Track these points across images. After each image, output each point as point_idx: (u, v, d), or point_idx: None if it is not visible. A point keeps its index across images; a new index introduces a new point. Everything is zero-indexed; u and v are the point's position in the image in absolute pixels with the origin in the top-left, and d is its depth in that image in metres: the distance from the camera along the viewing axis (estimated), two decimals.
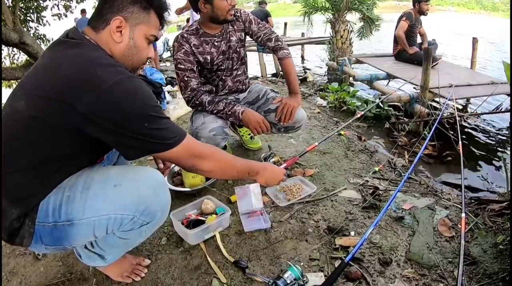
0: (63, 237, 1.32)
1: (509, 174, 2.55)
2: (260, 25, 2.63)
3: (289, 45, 10.29)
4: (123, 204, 1.32)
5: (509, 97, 4.38)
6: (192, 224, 2.03)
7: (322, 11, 8.61)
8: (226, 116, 2.48)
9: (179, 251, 1.99)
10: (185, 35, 2.47)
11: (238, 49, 2.65)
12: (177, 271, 1.86)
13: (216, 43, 2.53)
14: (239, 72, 2.75)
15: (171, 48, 10.03)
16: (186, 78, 2.44)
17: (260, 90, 2.81)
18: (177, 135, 1.35)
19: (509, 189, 2.42)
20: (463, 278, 1.69)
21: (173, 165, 2.61)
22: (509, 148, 4.17)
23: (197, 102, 2.47)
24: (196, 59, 2.50)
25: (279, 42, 2.65)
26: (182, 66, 2.43)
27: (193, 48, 2.46)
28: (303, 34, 11.25)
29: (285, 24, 13.85)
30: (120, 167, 1.57)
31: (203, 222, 2.04)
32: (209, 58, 2.52)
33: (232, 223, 2.17)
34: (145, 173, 1.43)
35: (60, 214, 1.28)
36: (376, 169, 2.83)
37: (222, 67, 2.61)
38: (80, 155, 1.35)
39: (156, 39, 1.51)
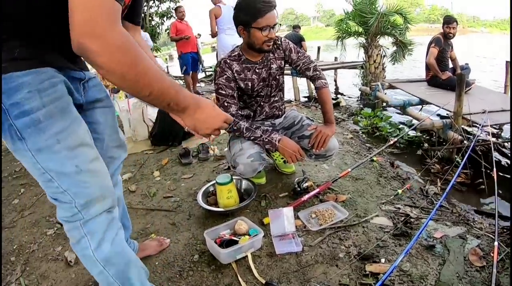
0: (3, 130, 1.14)
1: None
2: (299, 54, 2.69)
3: (322, 69, 10.39)
4: (71, 185, 1.24)
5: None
6: (225, 243, 2.07)
7: (355, 36, 8.66)
8: (263, 143, 2.54)
9: (210, 269, 2.03)
10: (228, 61, 2.55)
11: (277, 77, 2.73)
12: None
13: (257, 71, 2.61)
14: (276, 98, 2.83)
15: (206, 69, 10.09)
16: (226, 104, 2.51)
17: (295, 116, 2.88)
18: None
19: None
20: None
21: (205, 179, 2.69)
22: None
23: (235, 128, 2.54)
24: (237, 85, 2.58)
25: (317, 72, 2.71)
26: (223, 92, 2.52)
27: (235, 74, 2.54)
28: (336, 58, 11.28)
29: (319, 48, 13.92)
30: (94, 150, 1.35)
31: (236, 242, 2.08)
32: (250, 84, 2.61)
33: (264, 245, 2.20)
34: (106, 177, 1.35)
35: (19, 117, 1.12)
36: (399, 191, 2.84)
37: (262, 94, 2.70)
38: None
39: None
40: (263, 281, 1.89)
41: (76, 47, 0.94)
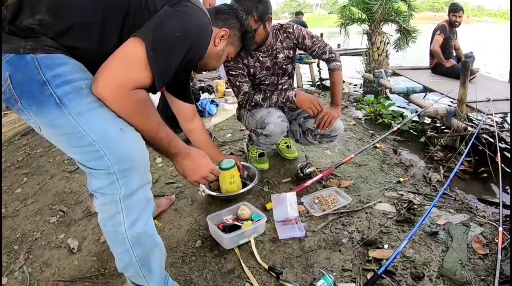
0: (38, 104, 1.16)
1: None
2: (314, 39, 2.66)
3: None
4: (114, 147, 1.22)
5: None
6: (228, 228, 2.06)
7: (359, 23, 8.59)
8: (282, 104, 2.58)
9: (213, 254, 2.03)
10: None
11: (284, 66, 2.71)
12: (210, 273, 1.89)
13: (261, 58, 2.61)
14: (286, 86, 2.82)
15: None
16: (238, 83, 2.56)
17: None
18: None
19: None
20: None
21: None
22: None
23: (253, 103, 2.59)
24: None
25: (332, 54, 2.67)
26: (233, 72, 2.55)
27: (239, 58, 2.54)
28: (339, 45, 11.22)
29: (321, 35, 13.81)
30: None
31: (239, 227, 2.07)
32: (252, 71, 2.61)
33: (267, 230, 2.20)
34: (145, 147, 1.33)
35: (60, 85, 1.15)
36: (401, 180, 2.84)
37: (266, 83, 2.69)
38: None
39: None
40: (266, 266, 1.89)
41: (98, 79, 1.15)
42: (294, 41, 2.65)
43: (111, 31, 1.24)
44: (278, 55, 2.64)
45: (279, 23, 2.68)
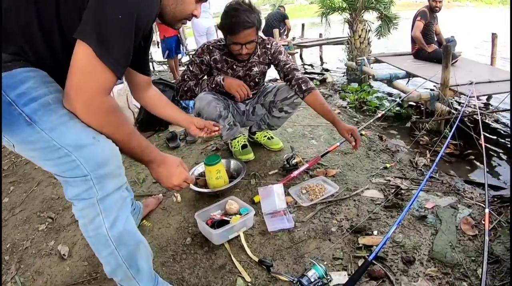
0: (9, 124, 1.15)
1: None
2: (288, 58, 2.70)
3: (307, 46, 10.32)
4: (89, 156, 1.22)
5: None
6: (217, 224, 2.06)
7: (339, 11, 8.58)
8: (212, 89, 2.65)
9: (203, 251, 2.02)
10: (211, 47, 2.61)
11: (257, 79, 2.79)
12: (201, 270, 1.89)
13: (234, 67, 2.65)
14: (253, 92, 2.90)
15: (190, 53, 10.01)
16: (185, 77, 2.63)
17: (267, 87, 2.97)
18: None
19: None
20: (486, 276, 1.69)
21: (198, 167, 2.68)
22: None
23: (185, 88, 2.63)
24: (210, 71, 2.66)
25: (305, 76, 2.67)
26: (191, 68, 2.63)
27: (212, 62, 2.60)
28: (320, 35, 11.20)
29: (303, 25, 13.79)
30: None
31: (227, 222, 2.07)
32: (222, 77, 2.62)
33: (256, 223, 2.20)
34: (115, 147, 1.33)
35: (27, 104, 1.14)
36: (388, 165, 2.85)
37: None
38: None
39: None
40: (257, 259, 1.89)
41: (66, 95, 1.16)
42: (269, 57, 2.69)
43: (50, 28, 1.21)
44: (252, 68, 2.70)
45: (261, 37, 2.68)
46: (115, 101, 1.25)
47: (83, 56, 1.11)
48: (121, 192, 1.36)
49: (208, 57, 2.59)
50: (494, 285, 1.70)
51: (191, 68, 2.62)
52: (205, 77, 2.71)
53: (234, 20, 2.31)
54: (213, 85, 2.60)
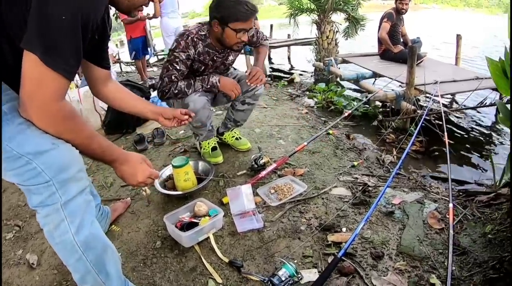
0: None
1: (509, 166, 2.58)
2: (258, 33, 2.82)
3: (275, 47, 10.35)
4: (49, 162, 1.23)
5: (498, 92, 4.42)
6: (186, 226, 2.04)
7: (308, 13, 8.63)
8: (207, 90, 2.61)
9: (174, 254, 2.01)
10: (195, 39, 2.49)
11: (229, 66, 2.83)
12: (172, 274, 1.88)
13: (215, 58, 2.63)
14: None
15: (158, 53, 9.81)
16: (173, 78, 2.49)
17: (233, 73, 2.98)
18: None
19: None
20: (453, 268, 1.73)
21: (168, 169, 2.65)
22: (494, 141, 4.25)
23: (176, 91, 2.52)
24: (192, 63, 2.56)
25: (266, 40, 2.95)
26: (177, 66, 2.48)
27: (196, 55, 2.52)
28: (289, 35, 11.25)
29: (271, 26, 13.83)
30: None
31: (196, 224, 2.06)
32: (202, 67, 2.61)
33: (225, 224, 2.19)
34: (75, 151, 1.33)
35: None
36: (355, 163, 2.89)
37: (206, 74, 2.69)
38: None
39: None
40: (227, 260, 1.88)
41: (21, 104, 1.14)
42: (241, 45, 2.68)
43: None
44: (229, 57, 2.71)
45: None
46: (71, 106, 1.23)
47: (30, 65, 1.09)
48: (84, 196, 1.35)
49: (194, 50, 2.49)
50: (462, 276, 1.74)
51: (177, 67, 2.48)
52: (196, 78, 2.63)
53: (246, 7, 2.30)
54: (208, 86, 2.58)
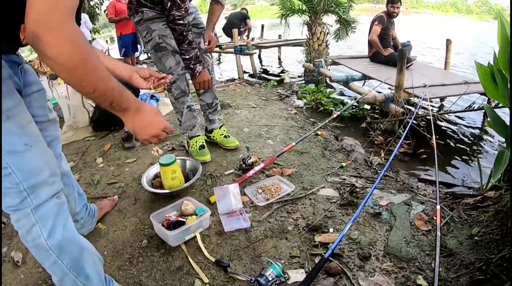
0: None
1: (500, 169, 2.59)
2: None
3: (266, 47, 10.35)
4: (21, 164, 1.20)
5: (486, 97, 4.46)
6: (173, 225, 2.03)
7: (299, 14, 8.66)
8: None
9: (160, 253, 1.99)
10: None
11: None
12: (159, 273, 1.86)
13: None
14: None
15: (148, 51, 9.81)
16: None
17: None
18: None
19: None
20: (440, 269, 1.74)
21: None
22: (482, 145, 4.30)
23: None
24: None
25: None
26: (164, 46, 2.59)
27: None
28: (280, 36, 11.28)
29: (262, 26, 13.89)
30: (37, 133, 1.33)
31: (183, 223, 2.04)
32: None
33: (212, 224, 2.18)
34: (53, 158, 1.34)
35: None
36: (344, 164, 2.89)
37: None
38: None
39: None
40: (214, 260, 1.87)
41: (31, 36, 0.92)
42: None
43: None
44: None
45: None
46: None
47: None
48: (56, 199, 1.33)
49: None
50: (449, 277, 1.75)
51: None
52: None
53: None
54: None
